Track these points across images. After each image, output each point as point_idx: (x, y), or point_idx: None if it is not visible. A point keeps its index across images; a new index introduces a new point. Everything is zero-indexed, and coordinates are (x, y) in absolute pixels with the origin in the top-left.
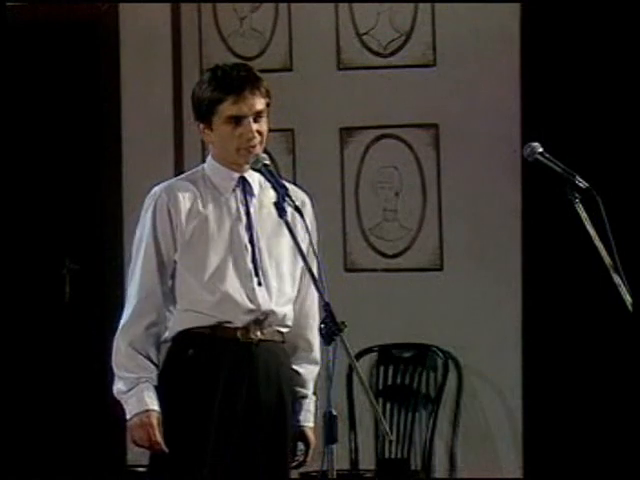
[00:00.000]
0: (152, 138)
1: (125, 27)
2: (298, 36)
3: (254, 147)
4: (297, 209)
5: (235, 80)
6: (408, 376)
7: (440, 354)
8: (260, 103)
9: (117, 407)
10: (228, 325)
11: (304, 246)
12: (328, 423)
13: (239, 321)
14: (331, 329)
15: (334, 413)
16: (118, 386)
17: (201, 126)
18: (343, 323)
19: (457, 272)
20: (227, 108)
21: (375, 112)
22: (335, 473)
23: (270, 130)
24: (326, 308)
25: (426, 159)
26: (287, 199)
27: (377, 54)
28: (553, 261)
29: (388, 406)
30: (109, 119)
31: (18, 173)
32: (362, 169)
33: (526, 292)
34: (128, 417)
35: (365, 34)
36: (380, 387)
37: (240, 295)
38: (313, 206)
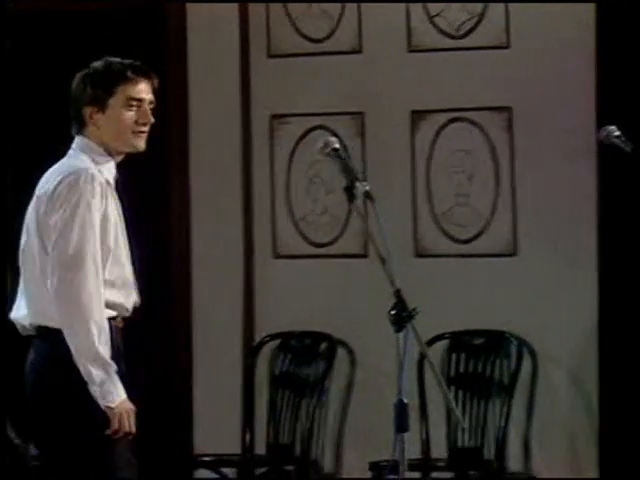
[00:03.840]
0: (219, 121)
1: (193, 11)
2: (368, 17)
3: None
4: (367, 194)
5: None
6: (481, 363)
7: (514, 341)
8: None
9: (184, 396)
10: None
11: None
12: (399, 411)
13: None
14: (402, 316)
15: (405, 401)
16: (99, 371)
17: None
18: (414, 310)
19: (531, 257)
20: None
21: (447, 95)
22: (406, 462)
23: (340, 113)
24: (397, 294)
25: (499, 143)
26: (357, 183)
27: (448, 36)
28: (629, 246)
29: (460, 394)
30: (176, 103)
31: None
32: (433, 153)
33: (602, 277)
34: (115, 402)
35: (436, 16)
36: (452, 374)
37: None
38: None
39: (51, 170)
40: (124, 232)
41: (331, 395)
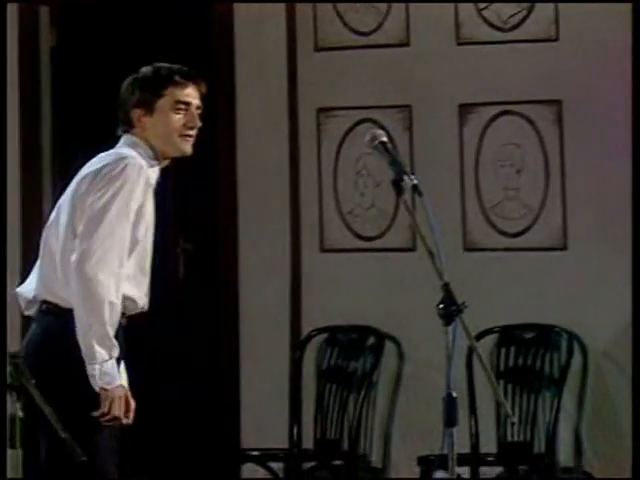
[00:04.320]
0: (266, 115)
1: (240, 5)
2: (416, 10)
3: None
4: (415, 187)
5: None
6: (530, 357)
7: (564, 335)
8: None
9: (231, 391)
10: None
11: None
12: (448, 406)
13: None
14: (450, 310)
15: (454, 395)
16: (103, 350)
17: None
18: (463, 303)
19: (581, 251)
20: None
21: (495, 88)
22: (455, 457)
23: (387, 107)
24: (445, 288)
25: (549, 136)
26: (405, 177)
27: (497, 28)
28: None
29: (509, 388)
30: (223, 99)
31: None
32: (482, 146)
33: None
34: (112, 385)
35: (485, 8)
36: (501, 369)
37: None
38: None
39: (99, 155)
40: (151, 238)
41: (379, 389)
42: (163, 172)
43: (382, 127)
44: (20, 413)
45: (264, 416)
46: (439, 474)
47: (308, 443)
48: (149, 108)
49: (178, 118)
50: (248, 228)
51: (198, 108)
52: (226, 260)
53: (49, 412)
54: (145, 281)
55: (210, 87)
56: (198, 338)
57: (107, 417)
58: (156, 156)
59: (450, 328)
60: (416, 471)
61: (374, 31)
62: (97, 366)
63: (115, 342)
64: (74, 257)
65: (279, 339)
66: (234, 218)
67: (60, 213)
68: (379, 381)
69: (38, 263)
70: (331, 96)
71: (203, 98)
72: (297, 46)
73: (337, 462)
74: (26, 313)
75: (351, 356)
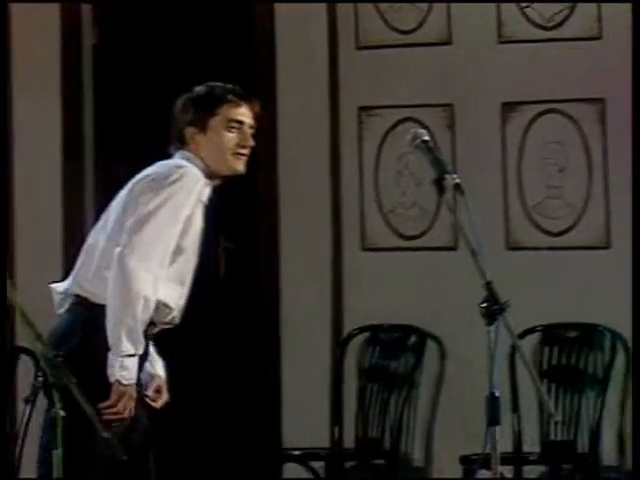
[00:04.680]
0: (308, 113)
1: (281, 4)
2: (457, 9)
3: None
4: (457, 186)
5: None
6: (574, 356)
7: (607, 334)
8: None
9: (272, 390)
10: None
11: None
12: (490, 404)
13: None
14: (493, 308)
15: (496, 394)
16: (129, 344)
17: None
18: (506, 302)
19: (625, 250)
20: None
21: (538, 86)
22: (498, 456)
23: (429, 105)
24: (488, 287)
25: (592, 135)
26: (447, 176)
27: (540, 27)
28: None
29: (553, 387)
30: (264, 98)
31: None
32: (525, 145)
33: None
34: (127, 381)
35: (527, 7)
36: (544, 367)
37: None
38: None
39: (156, 164)
40: (195, 253)
41: (421, 388)
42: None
43: (424, 126)
44: (62, 413)
45: (305, 415)
46: (482, 473)
47: (349, 442)
48: (203, 126)
49: (231, 137)
50: (290, 227)
51: (251, 127)
52: (268, 258)
53: (90, 411)
54: (182, 292)
55: (251, 86)
56: (239, 337)
57: (111, 410)
58: (209, 174)
59: (493, 327)
60: (458, 470)
61: (415, 29)
62: (119, 358)
63: (142, 339)
64: (118, 249)
65: (320, 338)
66: (276, 217)
67: (109, 212)
68: (421, 380)
69: (77, 262)
70: (372, 95)
71: (256, 117)
72: (338, 45)
73: (378, 461)
74: (58, 312)
75: (393, 355)
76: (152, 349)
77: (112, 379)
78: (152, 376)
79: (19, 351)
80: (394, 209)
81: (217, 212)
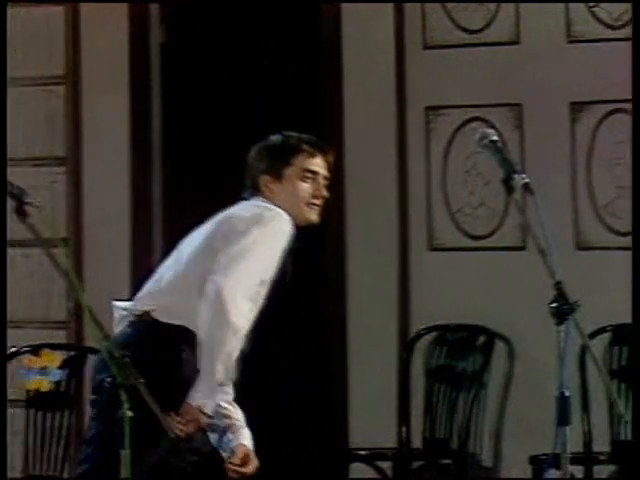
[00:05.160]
0: (374, 113)
1: (347, 4)
2: (525, 8)
3: None
4: (526, 186)
5: None
6: None
7: None
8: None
9: (339, 390)
10: None
11: None
12: (560, 404)
13: None
14: (563, 308)
15: (567, 394)
16: (221, 374)
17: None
18: (575, 302)
19: None
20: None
21: (607, 86)
22: (568, 456)
23: (497, 105)
24: (557, 287)
25: None
26: (516, 175)
27: (608, 26)
28: None
29: (623, 387)
30: (330, 98)
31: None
32: (594, 145)
33: None
34: (206, 409)
35: (595, 6)
36: (614, 367)
37: None
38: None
39: (241, 205)
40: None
41: (489, 388)
42: None
43: (492, 126)
44: (129, 413)
45: (372, 415)
46: (551, 473)
47: (417, 442)
48: (277, 175)
49: (305, 187)
50: (356, 227)
51: (325, 178)
52: (334, 259)
53: (158, 412)
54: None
55: (317, 86)
56: (305, 337)
57: (181, 428)
58: None
59: (562, 327)
60: (528, 470)
61: (483, 29)
62: (210, 385)
63: (234, 369)
64: (213, 282)
65: (387, 338)
66: (341, 216)
67: (184, 249)
68: (489, 380)
69: (144, 288)
70: (440, 94)
71: (330, 168)
72: (405, 44)
73: (446, 461)
74: (115, 329)
75: (460, 355)
76: (240, 417)
77: (194, 403)
78: (236, 447)
79: (87, 351)
80: (462, 209)
81: None
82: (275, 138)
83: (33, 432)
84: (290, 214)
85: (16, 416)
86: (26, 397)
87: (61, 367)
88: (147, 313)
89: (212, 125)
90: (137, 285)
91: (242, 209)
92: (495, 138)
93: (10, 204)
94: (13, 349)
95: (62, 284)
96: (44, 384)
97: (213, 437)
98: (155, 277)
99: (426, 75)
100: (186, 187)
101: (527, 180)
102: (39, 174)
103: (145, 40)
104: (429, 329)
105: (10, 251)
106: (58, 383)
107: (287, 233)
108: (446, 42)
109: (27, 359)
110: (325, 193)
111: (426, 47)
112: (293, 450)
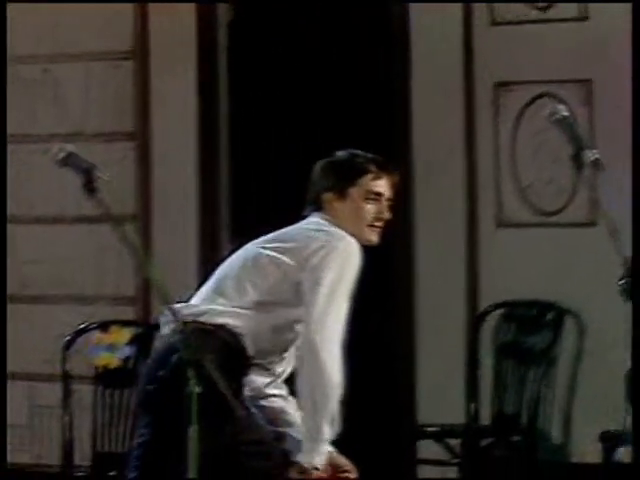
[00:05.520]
0: (442, 91)
1: None
2: None
3: None
4: (596, 162)
5: None
6: None
7: None
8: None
9: (407, 367)
10: None
11: None
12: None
13: None
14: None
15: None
16: (327, 431)
17: None
18: None
19: None
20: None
21: None
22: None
23: (566, 81)
24: (627, 263)
25: None
26: (586, 152)
27: None
28: None
29: None
30: (399, 74)
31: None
32: None
33: None
34: (320, 465)
35: None
36: None
37: None
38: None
39: (307, 225)
40: None
41: (559, 364)
42: None
43: (561, 101)
44: (197, 389)
45: (440, 392)
46: (622, 450)
47: (486, 419)
48: (342, 194)
49: (369, 208)
50: (424, 203)
51: (388, 200)
52: (402, 235)
53: (225, 389)
54: None
55: (385, 61)
56: (373, 313)
57: None
58: None
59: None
60: (598, 446)
61: (551, 5)
62: (316, 444)
63: (338, 421)
64: (309, 343)
65: (455, 314)
66: (410, 193)
67: (234, 263)
68: (559, 356)
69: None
70: (508, 70)
71: (394, 190)
72: (473, 21)
73: (515, 438)
74: (162, 331)
75: (530, 331)
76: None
77: (305, 463)
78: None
79: (156, 327)
80: (531, 185)
81: None
82: (342, 155)
83: (101, 409)
84: (351, 233)
85: (84, 393)
86: (94, 374)
87: (130, 343)
88: (222, 326)
89: (279, 99)
90: (204, 259)
91: (308, 237)
92: (566, 114)
93: (79, 180)
94: (82, 325)
95: (131, 260)
96: (113, 361)
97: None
98: (216, 285)
99: (495, 51)
100: (253, 161)
101: (597, 156)
102: (108, 150)
103: (213, 18)
104: (497, 306)
105: (79, 227)
106: (126, 360)
107: (359, 261)
108: (514, 19)
109: (96, 336)
110: (388, 215)
111: (494, 23)
112: (362, 426)
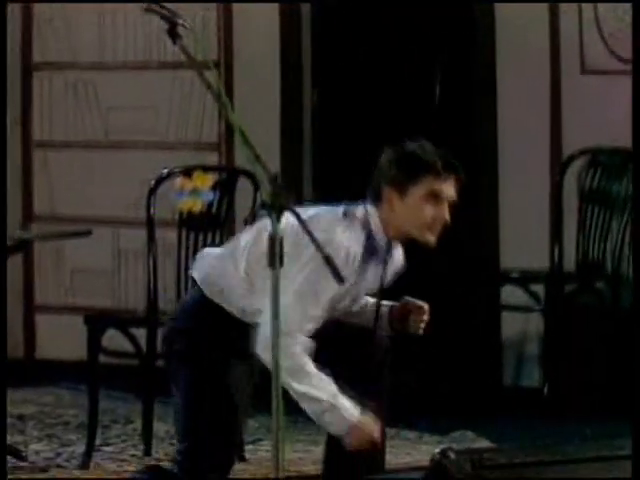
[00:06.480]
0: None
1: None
2: None
3: None
4: None
5: None
6: None
7: None
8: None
9: (490, 212)
10: None
11: None
12: None
13: None
14: None
15: None
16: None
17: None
18: None
19: None
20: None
21: None
22: None
23: None
24: None
25: None
26: None
27: None
28: None
29: None
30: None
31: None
32: None
33: None
34: (354, 418)
35: None
36: None
37: None
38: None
39: (332, 215)
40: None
41: None
42: None
43: None
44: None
45: (524, 237)
46: None
47: (569, 265)
48: (402, 191)
49: (429, 209)
50: (506, 50)
51: (451, 202)
52: (484, 82)
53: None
54: None
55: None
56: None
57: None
58: (397, 235)
59: None
60: None
61: None
62: (336, 411)
63: (330, 385)
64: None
65: (540, 161)
66: (493, 39)
67: (247, 235)
68: None
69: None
70: None
71: (458, 192)
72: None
73: (600, 285)
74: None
75: (614, 179)
76: None
77: (344, 429)
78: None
79: (238, 172)
80: (614, 33)
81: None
82: (411, 148)
83: (185, 252)
84: (408, 233)
85: (168, 238)
86: (178, 218)
87: (213, 188)
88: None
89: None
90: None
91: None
92: None
93: (164, 25)
94: (165, 170)
95: (214, 106)
96: (196, 205)
97: None
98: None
99: None
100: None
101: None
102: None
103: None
104: (582, 152)
105: (162, 73)
106: (210, 204)
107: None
108: None
109: (179, 181)
110: (447, 218)
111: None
112: (444, 272)
